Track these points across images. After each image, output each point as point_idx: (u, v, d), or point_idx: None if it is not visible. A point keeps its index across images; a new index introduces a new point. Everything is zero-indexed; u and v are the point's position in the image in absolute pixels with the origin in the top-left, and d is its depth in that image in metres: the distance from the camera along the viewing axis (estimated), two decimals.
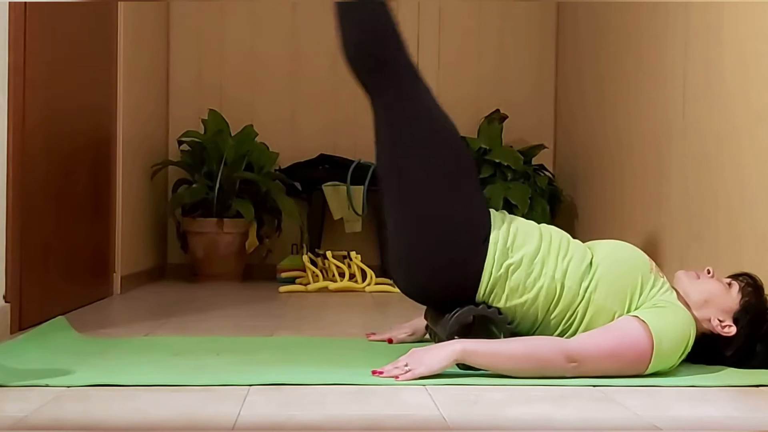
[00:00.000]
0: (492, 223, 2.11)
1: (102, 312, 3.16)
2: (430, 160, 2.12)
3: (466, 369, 1.99)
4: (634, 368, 1.96)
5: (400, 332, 2.48)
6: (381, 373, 1.94)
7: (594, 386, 1.89)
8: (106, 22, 3.58)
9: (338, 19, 2.16)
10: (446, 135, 2.16)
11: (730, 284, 2.12)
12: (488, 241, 2.08)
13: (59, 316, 2.66)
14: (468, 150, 2.22)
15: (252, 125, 4.55)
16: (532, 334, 2.09)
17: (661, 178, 3.26)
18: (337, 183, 4.52)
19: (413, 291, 2.19)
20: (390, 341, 2.45)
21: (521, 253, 2.07)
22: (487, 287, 2.07)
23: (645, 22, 3.49)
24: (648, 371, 1.96)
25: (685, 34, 3.06)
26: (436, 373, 1.92)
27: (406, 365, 1.94)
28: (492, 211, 2.18)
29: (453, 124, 2.19)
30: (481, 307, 2.08)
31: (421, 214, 2.10)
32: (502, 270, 2.06)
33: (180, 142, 4.59)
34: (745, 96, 2.61)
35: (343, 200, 4.49)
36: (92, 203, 3.42)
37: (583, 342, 1.96)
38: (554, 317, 2.07)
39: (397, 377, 1.91)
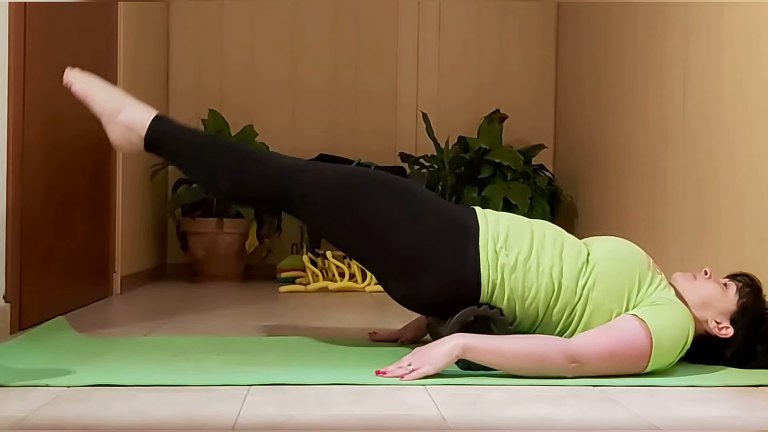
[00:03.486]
0: (478, 223, 2.10)
1: (102, 312, 3.15)
2: (369, 219, 2.12)
3: (467, 369, 1.98)
4: (633, 367, 1.95)
5: (405, 334, 2.46)
6: (384, 373, 1.94)
7: (594, 386, 1.88)
8: (106, 22, 3.58)
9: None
10: (356, 189, 2.14)
11: (727, 285, 2.11)
12: (478, 244, 2.06)
13: (59, 316, 2.67)
14: (390, 178, 2.21)
15: (252, 125, 4.55)
16: (533, 333, 2.09)
17: (661, 178, 3.26)
18: None
19: (422, 311, 2.23)
20: (402, 343, 2.43)
21: (515, 253, 2.06)
22: (488, 291, 2.06)
23: (645, 23, 3.49)
24: (647, 369, 1.96)
25: (685, 34, 3.06)
26: (441, 369, 1.91)
27: (410, 365, 1.93)
28: (477, 209, 2.17)
29: (354, 173, 2.20)
30: (483, 307, 2.07)
31: (400, 257, 2.10)
32: (498, 272, 2.05)
33: None
34: (744, 96, 2.61)
35: None
36: (92, 203, 3.42)
37: (584, 342, 1.95)
38: (554, 315, 2.06)
39: (401, 377, 1.90)
